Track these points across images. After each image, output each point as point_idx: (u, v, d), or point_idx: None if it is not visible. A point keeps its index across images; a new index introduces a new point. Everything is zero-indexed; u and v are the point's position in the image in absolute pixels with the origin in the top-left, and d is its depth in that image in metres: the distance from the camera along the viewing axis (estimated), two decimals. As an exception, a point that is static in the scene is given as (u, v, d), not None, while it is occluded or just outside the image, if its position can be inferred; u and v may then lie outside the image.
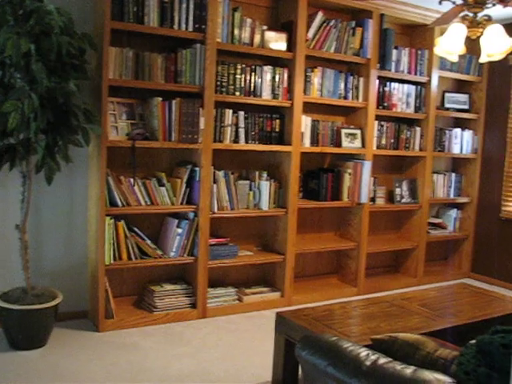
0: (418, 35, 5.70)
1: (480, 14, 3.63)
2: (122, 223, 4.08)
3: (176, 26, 4.16)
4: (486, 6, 3.57)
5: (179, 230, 4.33)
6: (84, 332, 4.03)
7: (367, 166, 5.17)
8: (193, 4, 4.20)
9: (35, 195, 3.92)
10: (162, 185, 4.25)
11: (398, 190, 5.66)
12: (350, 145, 5.13)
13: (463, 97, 6.10)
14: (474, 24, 3.64)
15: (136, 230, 4.21)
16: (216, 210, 4.45)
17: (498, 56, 3.72)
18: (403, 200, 5.69)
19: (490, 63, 5.65)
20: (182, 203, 4.33)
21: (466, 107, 6.11)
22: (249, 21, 4.54)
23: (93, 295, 4.16)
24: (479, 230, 6.17)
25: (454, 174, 6.15)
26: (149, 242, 4.24)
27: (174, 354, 3.76)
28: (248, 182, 4.69)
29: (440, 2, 3.70)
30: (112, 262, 4.04)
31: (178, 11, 4.16)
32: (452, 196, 6.13)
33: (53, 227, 4.14)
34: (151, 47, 4.26)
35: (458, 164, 6.30)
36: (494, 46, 3.67)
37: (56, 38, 3.31)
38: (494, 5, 3.56)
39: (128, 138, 4.06)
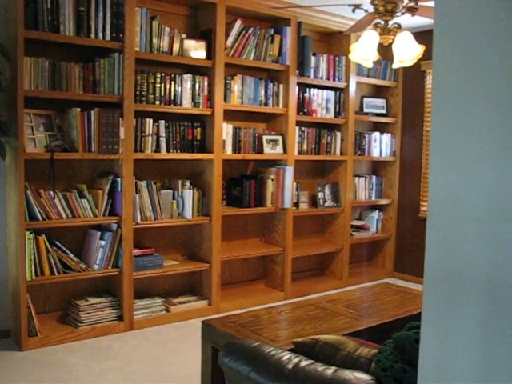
0: (335, 42, 5.89)
1: (391, 22, 3.83)
2: (42, 237, 4.03)
3: (93, 35, 4.16)
4: (396, 15, 3.78)
5: (102, 242, 4.31)
6: (6, 352, 3.94)
7: (289, 172, 5.29)
8: (110, 13, 4.21)
9: (-51, 212, 3.81)
10: (83, 197, 4.22)
11: (320, 194, 5.81)
12: (271, 151, 5.24)
13: (381, 101, 6.35)
14: (385, 31, 3.85)
15: (58, 243, 4.16)
16: (139, 220, 4.46)
17: (409, 62, 3.93)
18: (326, 204, 5.85)
19: (404, 69, 5.90)
20: (104, 215, 4.31)
21: (384, 111, 6.36)
22: (167, 29, 4.58)
23: (14, 313, 4.08)
24: (401, 230, 6.42)
25: (374, 177, 6.38)
26: (71, 255, 4.20)
27: (101, 368, 3.73)
28: (171, 191, 4.72)
29: (353, 10, 3.89)
30: (34, 277, 3.97)
31: (94, 20, 4.15)
32: (373, 198, 6.35)
33: (-31, 244, 4.04)
34: (68, 57, 4.26)
35: (378, 167, 6.54)
36: (404, 52, 3.88)
37: (-35, 50, 3.25)
38: (403, 13, 3.77)
39: (46, 150, 4.02)
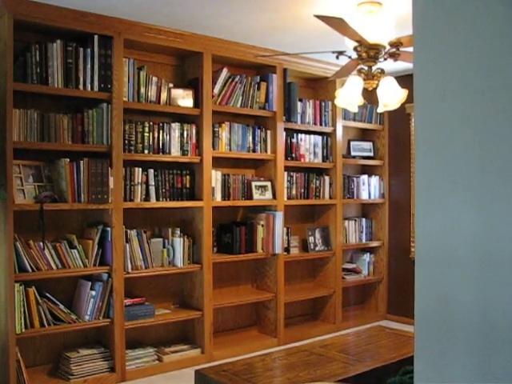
0: (321, 87, 6.00)
1: (374, 68, 3.92)
2: (32, 289, 3.99)
3: (81, 86, 4.22)
4: (378, 61, 3.87)
5: (93, 293, 4.27)
6: (-5, 407, 3.87)
7: (279, 217, 5.31)
8: (97, 64, 4.28)
9: None
10: (73, 247, 4.21)
11: (311, 239, 5.82)
12: (261, 197, 5.27)
13: (368, 144, 6.43)
14: (369, 76, 3.93)
15: (48, 295, 4.12)
16: (130, 269, 4.44)
17: (393, 105, 4.01)
18: (317, 248, 5.85)
19: (390, 112, 5.97)
20: (94, 265, 4.29)
21: (371, 154, 6.44)
22: (155, 79, 4.65)
23: (3, 367, 4.00)
24: (392, 271, 6.42)
25: (364, 220, 6.41)
26: (62, 306, 4.15)
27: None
28: (161, 239, 4.72)
29: (337, 57, 3.97)
30: (23, 330, 3.91)
31: (82, 71, 4.22)
32: (364, 241, 6.37)
33: (-43, 298, 3.99)
34: (57, 108, 4.30)
35: (367, 209, 6.58)
36: (389, 96, 3.96)
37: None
38: (385, 59, 3.86)
39: (36, 201, 4.03)
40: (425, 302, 1.25)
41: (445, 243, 1.21)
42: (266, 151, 5.36)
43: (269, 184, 5.36)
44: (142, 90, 4.58)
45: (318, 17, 3.38)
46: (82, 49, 4.25)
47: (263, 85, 5.29)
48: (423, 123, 1.28)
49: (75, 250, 4.19)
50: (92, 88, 4.28)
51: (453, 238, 1.20)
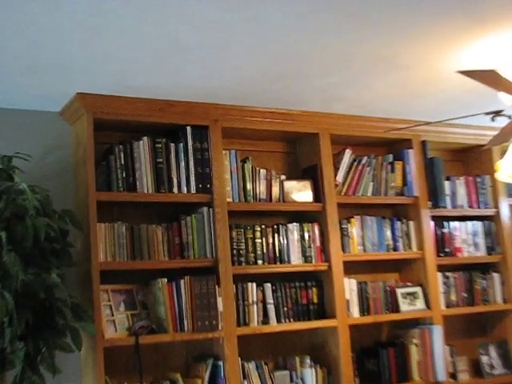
0: (474, 159, 5.87)
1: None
2: None
3: (176, 190, 4.29)
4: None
5: None
6: None
7: (438, 332, 5.09)
8: (193, 161, 4.35)
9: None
10: (177, 388, 4.16)
11: (485, 359, 5.50)
12: (410, 308, 5.10)
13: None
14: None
15: None
16: (252, 413, 4.33)
17: None
18: (495, 371, 5.51)
19: None
20: (207, 410, 4.21)
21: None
22: (263, 172, 4.70)
23: None
24: None
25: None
26: None
27: None
28: (287, 371, 4.61)
29: (493, 119, 3.84)
30: None
31: (176, 172, 4.31)
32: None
33: None
34: (148, 218, 4.36)
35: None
36: None
37: (31, 221, 3.38)
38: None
39: (129, 333, 4.05)
40: None
41: None
42: (410, 248, 5.22)
43: (419, 290, 5.18)
44: (249, 186, 4.61)
45: (463, 73, 3.29)
46: (172, 144, 4.35)
47: (398, 164, 5.23)
48: None
49: (180, 393, 4.15)
50: (188, 190, 4.34)
51: None
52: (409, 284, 5.25)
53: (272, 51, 3.60)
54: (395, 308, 5.10)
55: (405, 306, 5.10)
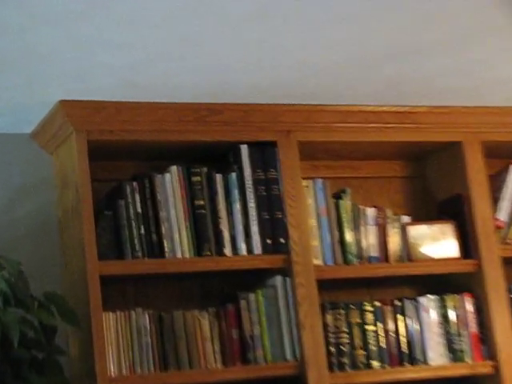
0: None
1: None
2: None
3: (228, 251, 3.48)
4: None
5: None
6: None
7: None
8: (254, 201, 3.57)
9: None
10: None
11: None
12: None
13: None
14: None
15: None
16: None
17: None
18: None
19: None
20: None
21: None
22: (371, 212, 3.88)
23: None
24: None
25: None
26: None
27: None
28: None
29: None
30: None
31: (227, 220, 3.56)
32: None
33: None
34: (186, 299, 3.67)
35: None
36: None
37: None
38: None
39: None
40: None
41: None
42: None
43: None
44: (349, 237, 3.69)
45: None
46: (219, 175, 3.53)
47: None
48: None
49: None
50: (250, 250, 3.48)
51: None
52: None
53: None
54: None
55: None
